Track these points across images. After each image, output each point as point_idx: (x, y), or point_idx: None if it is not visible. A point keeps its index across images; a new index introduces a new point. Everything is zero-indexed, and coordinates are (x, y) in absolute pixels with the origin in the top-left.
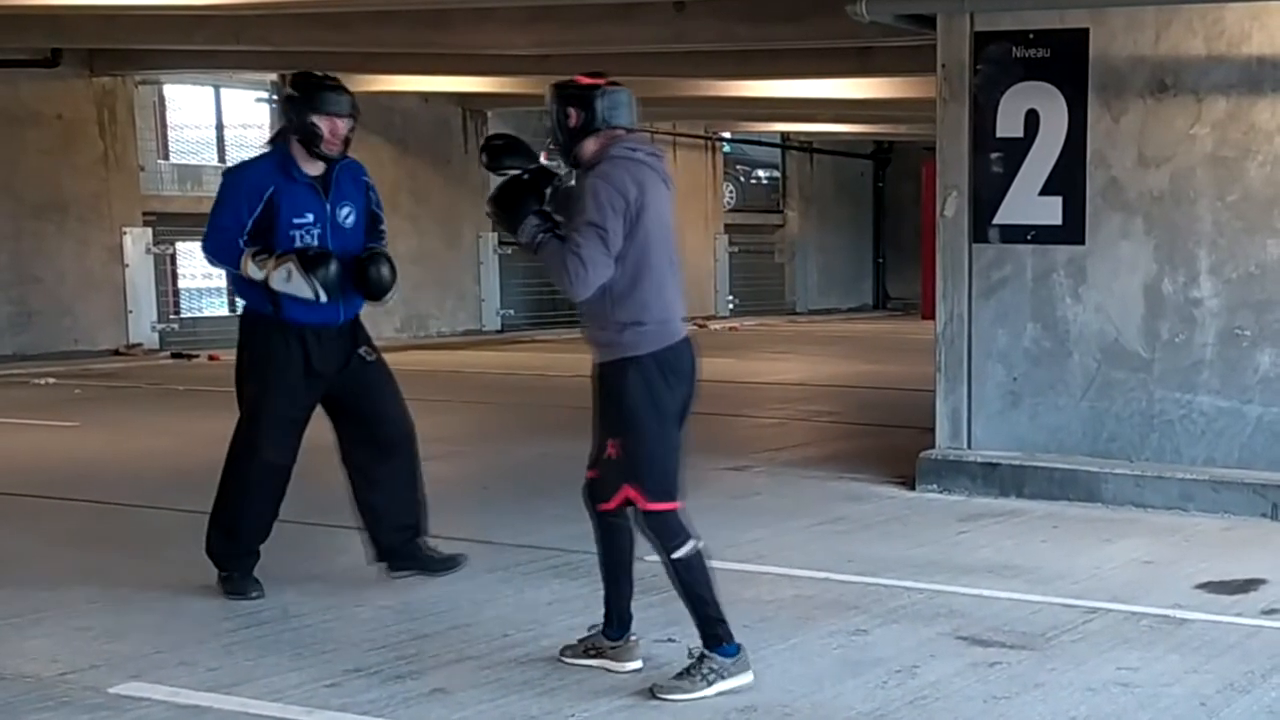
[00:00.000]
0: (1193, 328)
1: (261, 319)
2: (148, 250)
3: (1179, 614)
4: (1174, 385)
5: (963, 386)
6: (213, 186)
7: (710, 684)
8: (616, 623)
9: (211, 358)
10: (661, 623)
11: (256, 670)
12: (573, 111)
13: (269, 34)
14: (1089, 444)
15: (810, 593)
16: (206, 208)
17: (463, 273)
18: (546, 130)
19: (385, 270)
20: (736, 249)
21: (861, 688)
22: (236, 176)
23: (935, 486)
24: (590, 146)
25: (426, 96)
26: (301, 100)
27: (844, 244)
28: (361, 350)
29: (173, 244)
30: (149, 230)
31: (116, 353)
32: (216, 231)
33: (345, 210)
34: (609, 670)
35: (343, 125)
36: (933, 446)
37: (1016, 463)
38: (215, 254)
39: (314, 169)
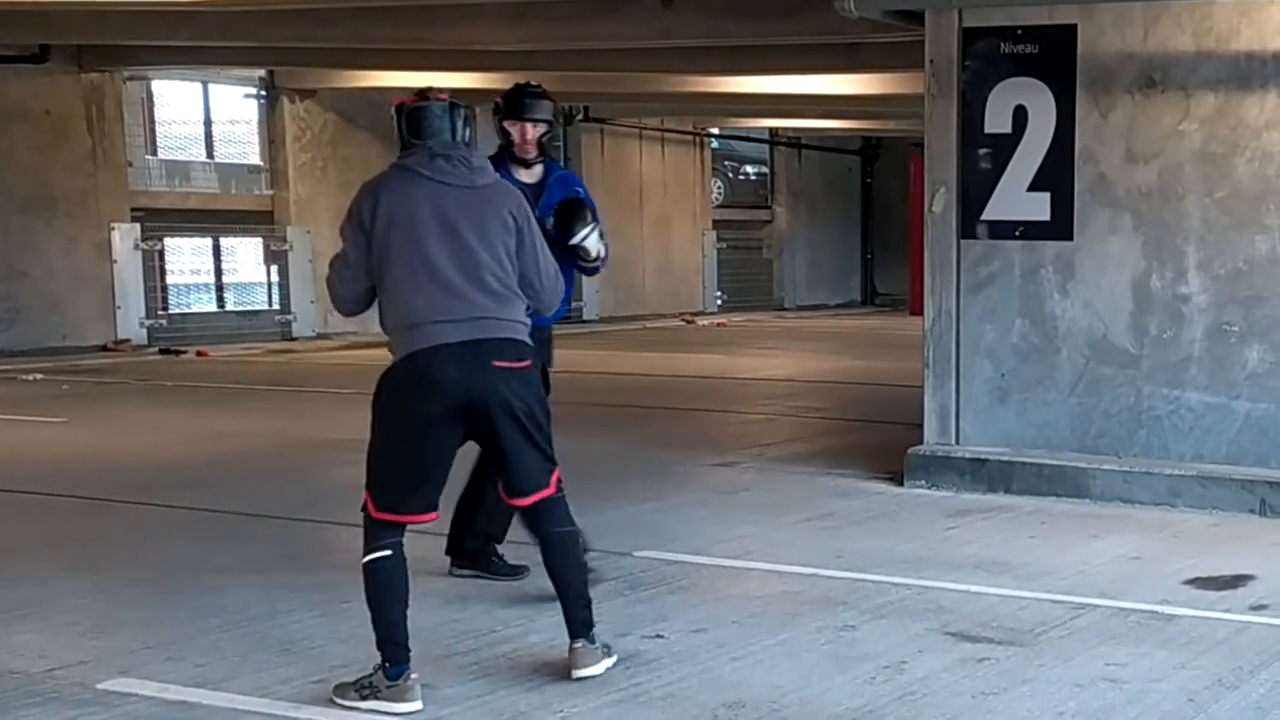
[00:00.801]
0: (1181, 324)
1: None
2: (136, 246)
3: (1167, 610)
4: (1162, 381)
5: (951, 382)
6: (201, 182)
7: (364, 698)
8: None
9: (199, 353)
10: (649, 619)
11: (244, 666)
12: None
13: (256, 29)
14: (1077, 440)
15: (798, 588)
16: (194, 204)
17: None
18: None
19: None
20: (724, 245)
21: (850, 683)
22: None
23: (923, 482)
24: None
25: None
26: (500, 110)
27: (832, 240)
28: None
29: (161, 240)
30: (137, 226)
31: (104, 348)
32: None
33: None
34: (384, 713)
35: (531, 129)
36: (921, 442)
37: (1004, 459)
38: None
39: (528, 176)
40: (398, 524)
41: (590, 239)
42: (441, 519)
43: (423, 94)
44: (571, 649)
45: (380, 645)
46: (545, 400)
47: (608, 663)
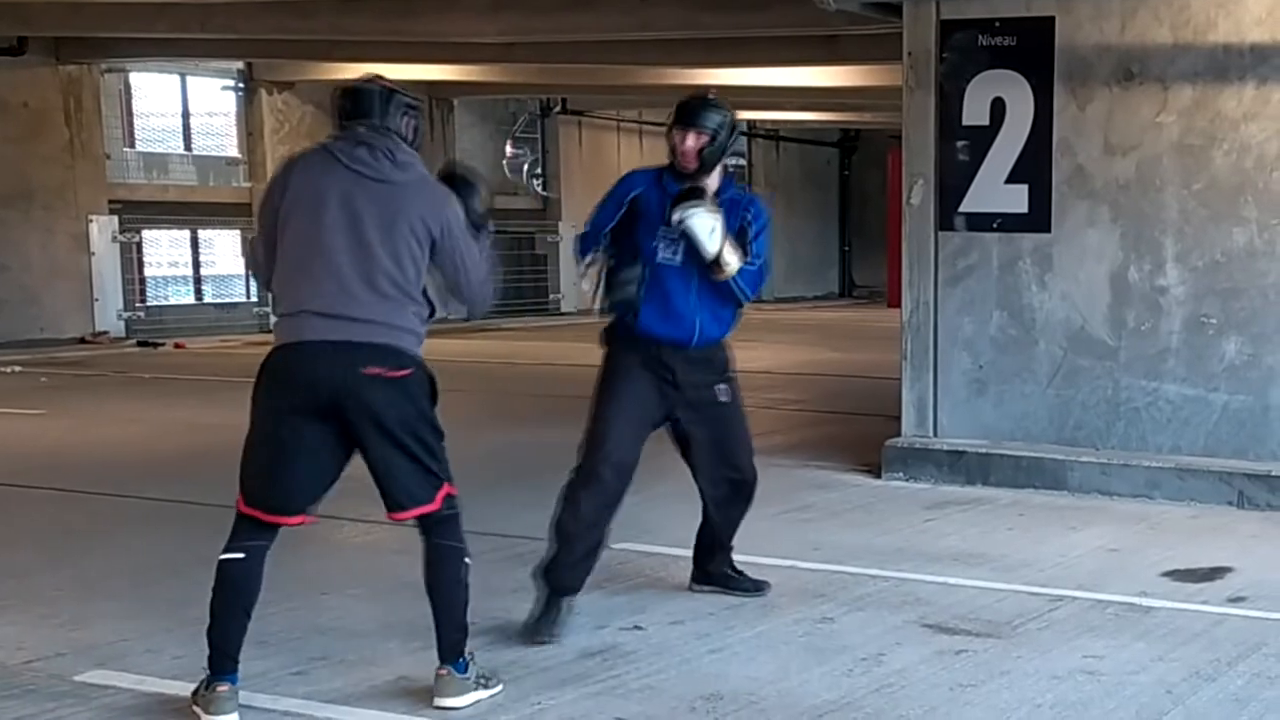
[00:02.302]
0: (1159, 316)
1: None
2: (114, 238)
3: (1145, 602)
4: (1140, 373)
5: (929, 374)
6: (179, 175)
7: (194, 703)
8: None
9: (177, 345)
10: (627, 611)
11: None
12: None
13: (234, 22)
14: (1055, 432)
15: (776, 581)
16: (173, 196)
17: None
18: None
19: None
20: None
21: (827, 675)
22: (616, 184)
23: (901, 474)
24: None
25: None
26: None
27: (810, 231)
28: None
29: (139, 232)
30: (115, 218)
31: (83, 341)
32: (586, 225)
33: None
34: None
35: (692, 139)
36: (899, 434)
37: (982, 450)
38: (575, 247)
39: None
40: (264, 525)
41: (705, 237)
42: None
43: (368, 79)
44: (436, 674)
45: (208, 647)
46: (428, 412)
47: (478, 695)
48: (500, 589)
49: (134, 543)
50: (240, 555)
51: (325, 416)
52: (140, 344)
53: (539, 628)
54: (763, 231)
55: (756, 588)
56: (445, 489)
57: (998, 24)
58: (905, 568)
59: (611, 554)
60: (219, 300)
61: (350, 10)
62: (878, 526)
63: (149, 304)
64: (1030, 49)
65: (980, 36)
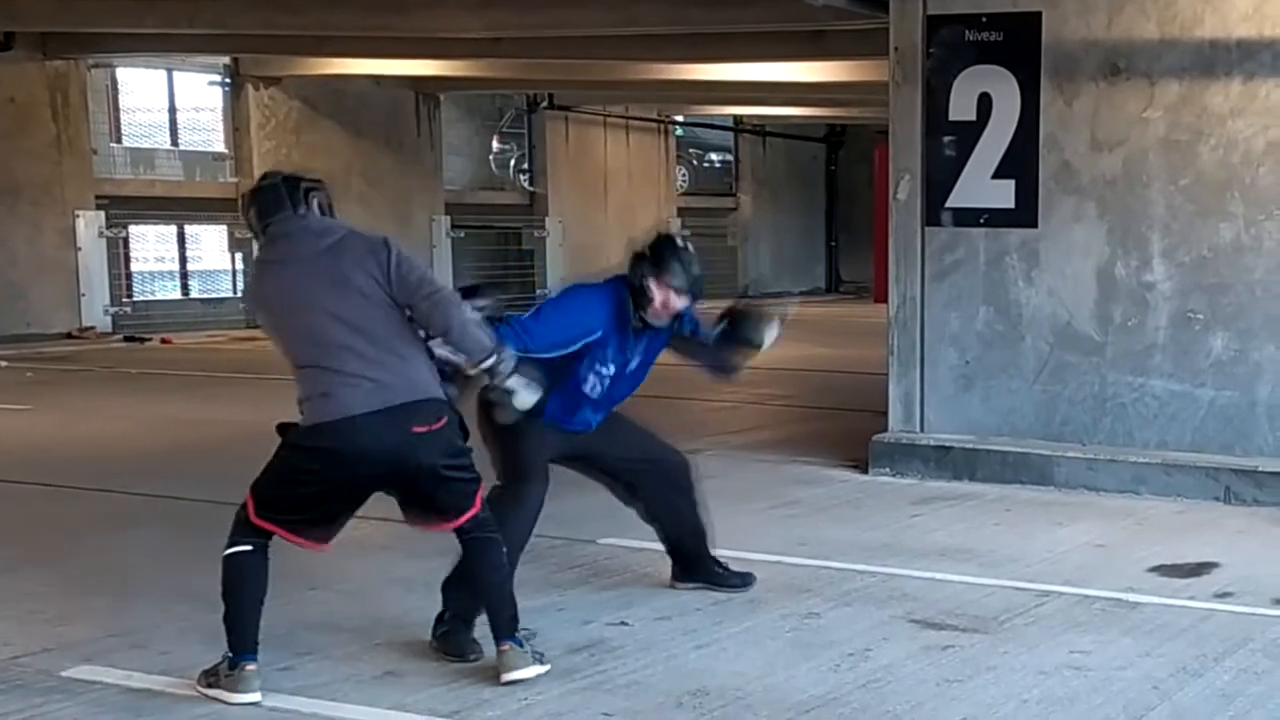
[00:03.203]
0: (1145, 311)
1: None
2: (100, 234)
3: (1131, 597)
4: (1126, 369)
5: (915, 370)
6: (166, 170)
7: (209, 687)
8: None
9: (164, 341)
10: (614, 606)
11: (210, 654)
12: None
13: (222, 17)
14: (1041, 427)
15: (763, 576)
16: (159, 191)
17: (415, 255)
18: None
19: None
20: (689, 232)
21: (814, 671)
22: (580, 312)
23: (888, 470)
24: None
25: (379, 80)
26: (649, 260)
27: (797, 227)
28: None
29: (125, 227)
30: (102, 213)
31: (69, 336)
32: (527, 336)
33: (636, 361)
34: (223, 701)
35: (678, 303)
36: (885, 430)
37: (969, 446)
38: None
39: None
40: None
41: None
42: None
43: (263, 177)
44: (500, 651)
45: (228, 633)
46: (461, 443)
47: (537, 669)
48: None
49: (121, 539)
50: (248, 548)
51: (376, 471)
52: (127, 339)
53: None
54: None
55: (743, 582)
56: (480, 490)
57: (984, 19)
58: (892, 563)
59: (598, 549)
60: (205, 295)
61: (337, 5)
62: (864, 522)
63: (135, 299)
64: (1017, 44)
65: (967, 32)
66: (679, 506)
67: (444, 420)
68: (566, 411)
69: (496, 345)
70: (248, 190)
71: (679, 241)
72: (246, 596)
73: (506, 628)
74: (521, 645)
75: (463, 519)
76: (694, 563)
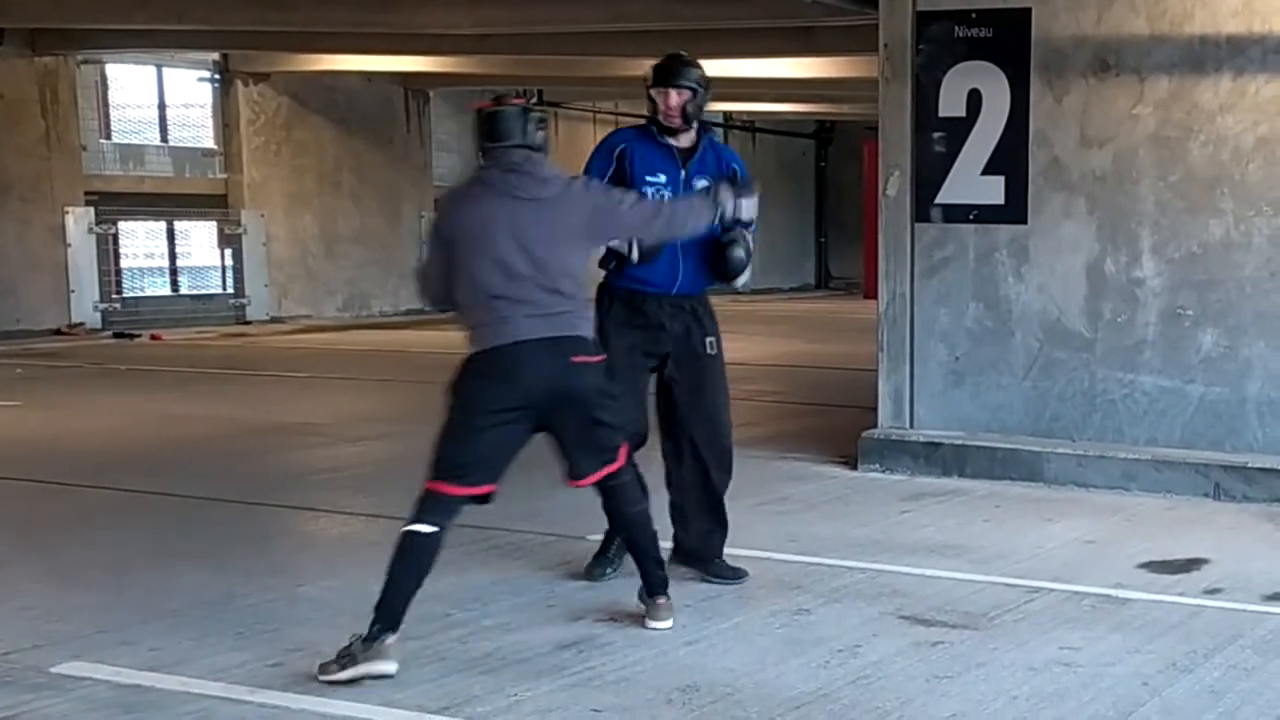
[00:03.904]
0: (1135, 307)
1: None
2: (90, 230)
3: (1121, 594)
4: (1116, 365)
5: (905, 366)
6: (155, 166)
7: (343, 668)
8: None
9: (154, 337)
10: (603, 602)
11: (199, 650)
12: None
13: (211, 13)
14: (1031, 423)
15: (753, 572)
16: (149, 187)
17: (405, 252)
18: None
19: (740, 253)
20: None
21: (804, 667)
22: (601, 141)
23: (878, 466)
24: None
25: (369, 76)
26: (649, 79)
27: (786, 223)
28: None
29: (115, 223)
30: (91, 210)
31: (59, 332)
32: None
33: (700, 182)
34: (369, 675)
35: (675, 96)
36: (875, 426)
37: (959, 442)
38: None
39: (681, 140)
40: (455, 503)
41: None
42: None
43: (498, 99)
44: (656, 603)
45: (378, 608)
46: (609, 387)
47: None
48: (476, 581)
49: (110, 534)
50: (435, 529)
51: (534, 403)
52: (116, 335)
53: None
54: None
55: (735, 575)
56: (624, 447)
57: (974, 15)
58: (882, 559)
59: (587, 546)
60: (195, 292)
61: (327, 2)
62: (854, 518)
63: (125, 295)
64: (1006, 41)
65: (956, 28)
66: (715, 486)
67: (601, 357)
68: (645, 266)
69: (709, 201)
70: (485, 109)
71: (662, 59)
72: (412, 576)
73: (663, 583)
74: (667, 596)
75: (602, 473)
76: (695, 544)
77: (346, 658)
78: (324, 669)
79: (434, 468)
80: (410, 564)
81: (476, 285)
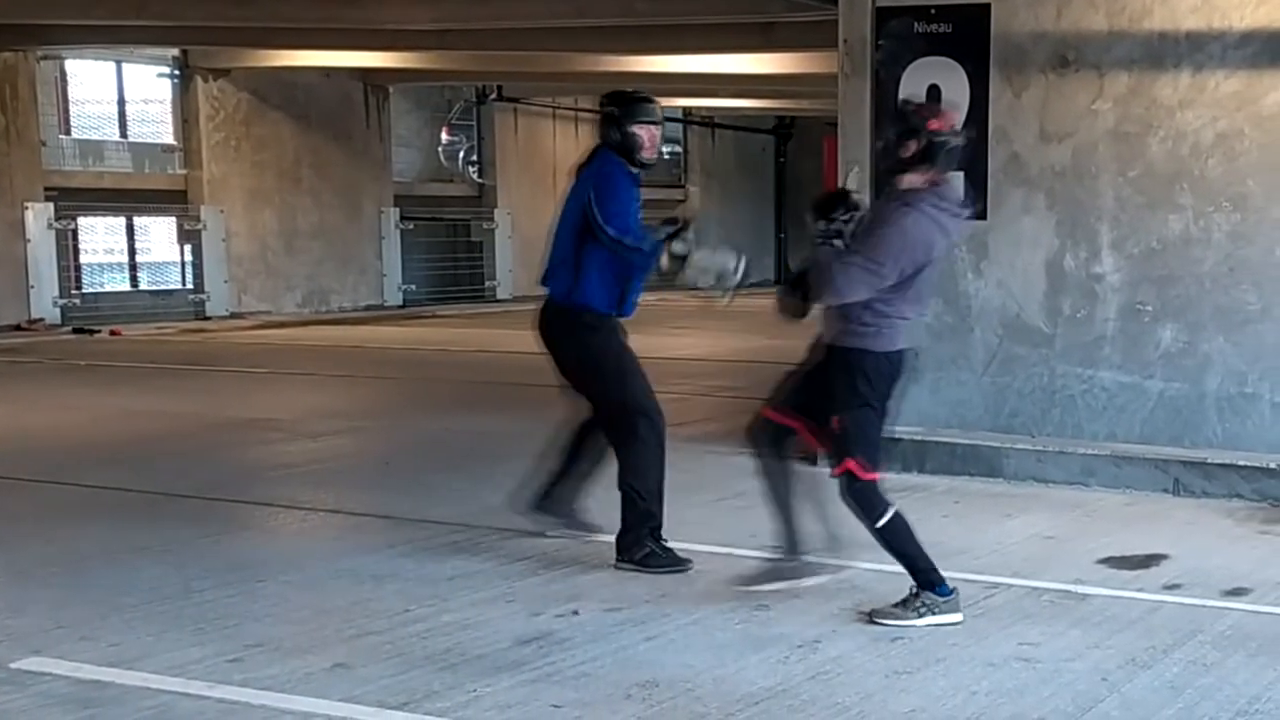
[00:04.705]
0: (1094, 303)
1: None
2: (49, 225)
3: (1080, 589)
4: (1076, 361)
5: None
6: (115, 162)
7: (921, 616)
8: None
9: (113, 332)
10: (563, 598)
11: (158, 645)
12: (912, 144)
13: (171, 9)
14: (990, 419)
15: (712, 568)
16: (108, 183)
17: (364, 247)
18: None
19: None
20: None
21: (763, 663)
22: (616, 176)
23: None
24: (911, 180)
25: (328, 71)
26: (622, 114)
27: (746, 219)
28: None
29: (74, 219)
30: (51, 205)
31: (18, 328)
32: (629, 216)
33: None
34: (945, 624)
35: (657, 134)
36: None
37: (918, 438)
38: (638, 232)
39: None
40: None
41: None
42: None
43: (940, 111)
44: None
45: (922, 574)
46: None
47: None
48: (435, 576)
49: (69, 530)
50: (895, 507)
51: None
52: (76, 331)
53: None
54: None
55: (680, 563)
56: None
57: (933, 11)
58: (841, 555)
59: (548, 542)
60: (155, 287)
61: None
62: (813, 514)
63: (85, 291)
64: (966, 36)
65: (916, 23)
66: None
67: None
68: (632, 292)
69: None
70: (941, 129)
71: (628, 91)
72: (917, 540)
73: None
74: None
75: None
76: (557, 500)
77: (923, 607)
78: (889, 615)
79: (863, 461)
80: (911, 533)
81: (908, 296)
